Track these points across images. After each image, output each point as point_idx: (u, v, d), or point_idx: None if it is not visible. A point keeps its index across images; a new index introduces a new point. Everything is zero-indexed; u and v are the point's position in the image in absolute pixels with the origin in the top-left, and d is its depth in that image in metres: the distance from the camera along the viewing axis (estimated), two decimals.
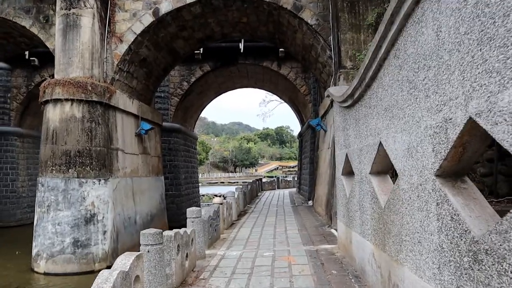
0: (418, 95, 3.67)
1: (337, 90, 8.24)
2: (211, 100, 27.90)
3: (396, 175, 6.92)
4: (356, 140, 6.38)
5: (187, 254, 6.51)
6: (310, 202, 18.86)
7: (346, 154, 7.24)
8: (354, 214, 6.65)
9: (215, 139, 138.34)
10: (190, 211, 7.74)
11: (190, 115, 25.35)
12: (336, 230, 10.38)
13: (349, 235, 7.09)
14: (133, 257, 4.17)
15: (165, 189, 20.44)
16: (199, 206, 26.19)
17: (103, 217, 12.04)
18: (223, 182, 79.64)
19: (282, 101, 37.22)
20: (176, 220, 20.43)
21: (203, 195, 44.94)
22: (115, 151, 13.16)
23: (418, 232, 3.71)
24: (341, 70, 11.54)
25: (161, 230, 5.31)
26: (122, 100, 13.81)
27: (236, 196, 14.50)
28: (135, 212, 14.33)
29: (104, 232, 11.98)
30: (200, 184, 73.59)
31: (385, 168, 5.50)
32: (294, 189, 33.03)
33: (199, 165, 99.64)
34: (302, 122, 27.04)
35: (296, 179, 36.88)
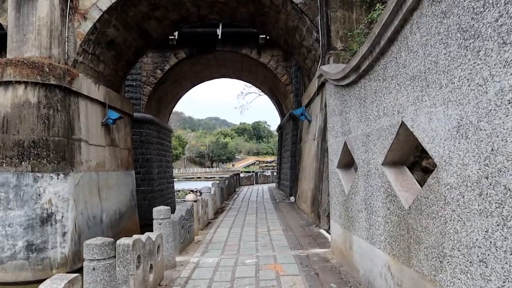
0: (482, 46, 2.50)
1: (333, 68, 7.05)
2: (187, 91, 26.38)
3: (410, 166, 5.81)
4: (361, 124, 5.20)
5: (151, 265, 5.22)
6: (292, 198, 17.73)
7: (345, 143, 6.07)
8: (356, 215, 5.49)
9: (191, 134, 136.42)
10: (157, 211, 6.44)
11: (164, 106, 23.81)
12: (326, 230, 9.27)
13: (349, 239, 5.93)
14: (63, 283, 2.87)
15: (136, 184, 18.96)
16: (173, 202, 24.77)
17: (62, 217, 10.56)
18: (199, 177, 78.08)
19: (261, 93, 36.03)
20: (148, 217, 18.86)
21: (178, 191, 43.39)
22: (77, 142, 11.66)
23: (479, 247, 2.54)
24: (330, 52, 10.38)
25: (112, 240, 4.01)
26: (86, 85, 12.29)
27: (212, 192, 13.22)
28: (101, 210, 12.87)
29: (64, 234, 10.52)
30: (176, 179, 71.97)
31: (404, 156, 4.34)
32: (273, 184, 31.91)
33: (175, 160, 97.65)
34: (282, 114, 25.89)
35: (275, 174, 35.79)
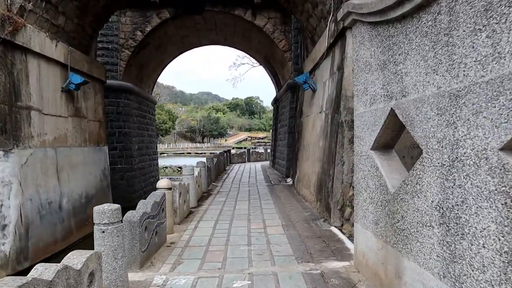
0: None
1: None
2: (173, 58, 23.75)
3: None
4: (435, 78, 2.99)
5: None
6: (289, 180, 15.62)
7: (391, 111, 3.86)
8: (415, 230, 3.33)
9: (182, 109, 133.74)
10: (99, 213, 4.21)
11: (146, 74, 21.26)
12: (339, 229, 7.18)
13: (394, 262, 3.79)
14: None
15: (112, 162, 16.70)
16: (157, 182, 22.54)
17: (1, 205, 8.31)
18: (189, 153, 75.82)
19: (255, 64, 33.57)
20: (126, 199, 16.81)
21: (166, 167, 41.16)
22: (25, 111, 9.32)
23: None
24: None
25: None
26: (38, 39, 9.85)
27: (196, 173, 11.03)
28: (60, 195, 10.63)
29: (3, 227, 8.28)
30: (165, 154, 69.79)
31: None
32: (267, 163, 29.78)
33: (165, 135, 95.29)
34: (278, 86, 23.52)
35: (269, 151, 33.64)
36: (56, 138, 10.74)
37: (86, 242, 11.18)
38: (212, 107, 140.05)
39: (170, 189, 7.05)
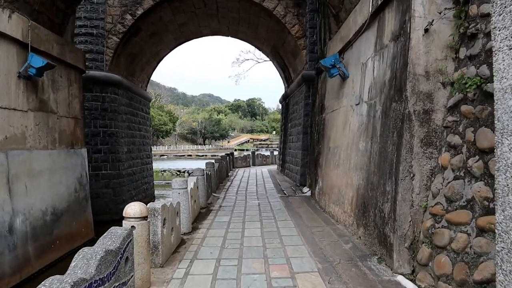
0: None
1: None
2: (170, 50, 21.10)
3: None
4: None
5: None
6: (306, 190, 12.97)
7: None
8: None
9: (184, 110, 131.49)
10: None
11: (139, 67, 18.64)
12: (411, 280, 4.57)
13: None
14: None
15: (95, 167, 14.15)
16: (151, 188, 19.94)
17: None
18: (190, 155, 73.16)
19: (259, 59, 31.07)
20: (112, 211, 14.22)
21: (164, 171, 38.50)
22: None
23: None
24: None
25: None
26: None
27: (192, 185, 8.40)
28: (11, 213, 8.03)
29: None
30: (165, 157, 67.29)
31: None
32: (274, 167, 27.08)
33: (165, 137, 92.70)
34: (287, 81, 20.88)
35: (276, 154, 30.99)
36: (9, 138, 8.16)
37: (49, 275, 8.64)
38: (214, 108, 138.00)
39: (145, 218, 4.44)
